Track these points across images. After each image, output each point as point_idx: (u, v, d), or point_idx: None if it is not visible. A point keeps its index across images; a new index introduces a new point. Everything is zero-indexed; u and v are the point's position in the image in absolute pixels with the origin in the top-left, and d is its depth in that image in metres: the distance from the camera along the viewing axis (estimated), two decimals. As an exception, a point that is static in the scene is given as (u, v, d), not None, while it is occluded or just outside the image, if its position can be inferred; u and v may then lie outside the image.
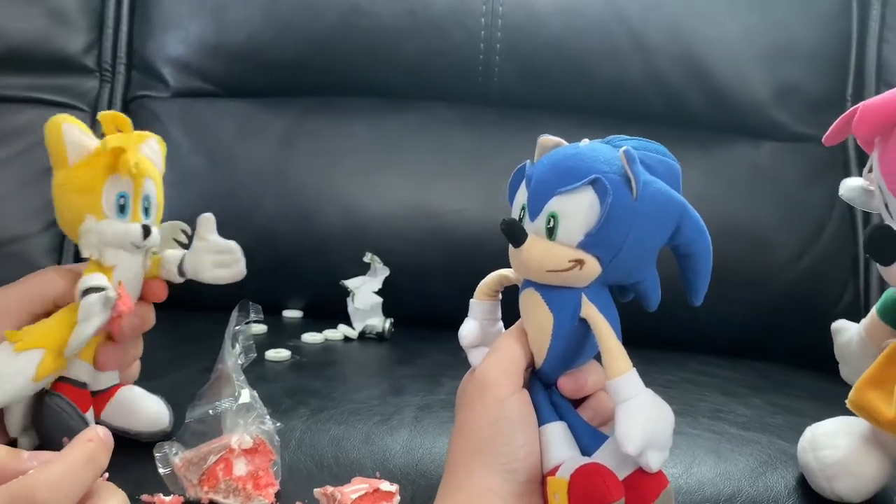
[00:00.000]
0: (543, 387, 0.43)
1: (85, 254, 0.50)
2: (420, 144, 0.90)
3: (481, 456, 0.40)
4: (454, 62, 0.92)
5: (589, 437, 0.41)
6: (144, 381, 0.56)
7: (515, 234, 0.40)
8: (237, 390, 0.51)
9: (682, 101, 0.92)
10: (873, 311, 0.52)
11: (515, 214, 0.42)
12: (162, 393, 0.55)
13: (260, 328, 0.81)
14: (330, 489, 0.48)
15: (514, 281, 0.45)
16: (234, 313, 0.55)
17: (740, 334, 0.89)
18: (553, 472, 0.39)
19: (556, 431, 0.41)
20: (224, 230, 0.91)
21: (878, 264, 0.43)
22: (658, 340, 0.83)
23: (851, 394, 0.50)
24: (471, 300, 0.47)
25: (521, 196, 0.41)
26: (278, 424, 0.54)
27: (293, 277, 0.89)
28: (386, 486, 0.49)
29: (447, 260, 0.86)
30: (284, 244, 0.89)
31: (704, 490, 0.54)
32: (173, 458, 0.49)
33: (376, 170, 0.89)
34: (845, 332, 0.54)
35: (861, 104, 0.43)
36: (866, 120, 0.43)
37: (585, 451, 0.40)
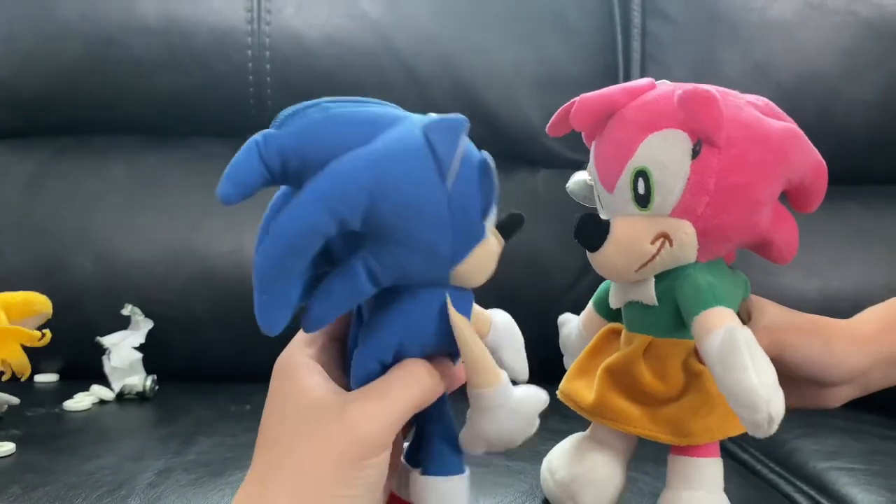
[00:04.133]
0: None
1: None
2: (185, 182, 0.84)
3: None
4: (222, 96, 0.87)
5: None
6: None
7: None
8: None
9: (459, 131, 0.92)
10: (590, 303, 0.53)
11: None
12: None
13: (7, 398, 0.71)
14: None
15: None
16: None
17: (528, 359, 0.89)
18: None
19: (465, 485, 0.38)
20: (-41, 288, 0.81)
21: (586, 250, 0.44)
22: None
23: (561, 384, 0.50)
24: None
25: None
26: (-26, 510, 0.46)
27: (43, 337, 0.80)
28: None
29: (218, 308, 0.80)
30: (30, 300, 0.79)
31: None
32: None
33: (135, 212, 0.82)
34: (567, 325, 0.55)
35: (579, 97, 0.45)
36: (582, 111, 0.44)
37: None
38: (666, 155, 0.41)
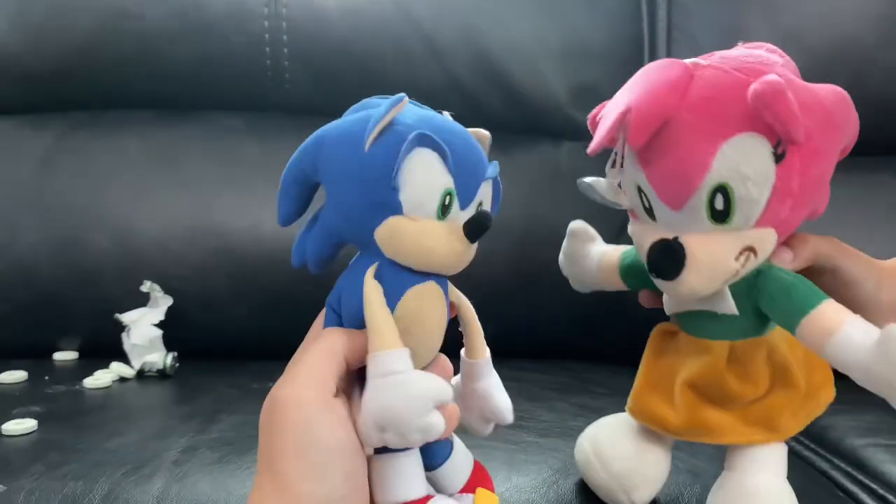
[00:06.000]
0: None
1: None
2: (201, 157, 0.82)
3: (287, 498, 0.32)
4: (238, 68, 0.85)
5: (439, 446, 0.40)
6: None
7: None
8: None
9: (480, 103, 0.89)
10: (616, 263, 0.49)
11: (436, 201, 0.36)
12: None
13: (15, 376, 0.70)
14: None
15: None
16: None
17: (552, 335, 0.87)
18: None
19: (412, 462, 0.37)
20: (-26, 266, 0.80)
21: (658, 278, 0.40)
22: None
23: (630, 401, 0.48)
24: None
25: (443, 178, 0.36)
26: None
27: (61, 314, 0.78)
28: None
29: (237, 283, 0.79)
30: (48, 277, 0.78)
31: (493, 508, 0.50)
32: None
33: (151, 187, 0.80)
34: (585, 244, 0.51)
35: (630, 108, 0.37)
36: (640, 127, 0.37)
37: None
38: (748, 166, 0.36)
